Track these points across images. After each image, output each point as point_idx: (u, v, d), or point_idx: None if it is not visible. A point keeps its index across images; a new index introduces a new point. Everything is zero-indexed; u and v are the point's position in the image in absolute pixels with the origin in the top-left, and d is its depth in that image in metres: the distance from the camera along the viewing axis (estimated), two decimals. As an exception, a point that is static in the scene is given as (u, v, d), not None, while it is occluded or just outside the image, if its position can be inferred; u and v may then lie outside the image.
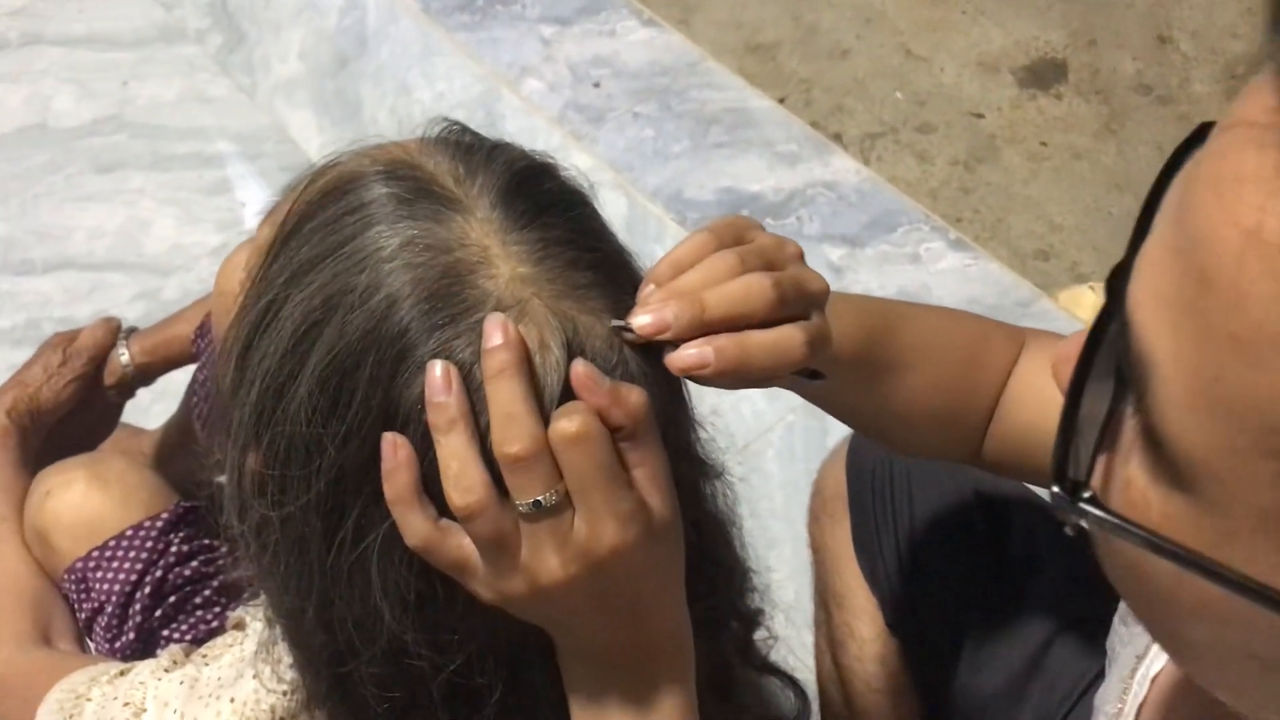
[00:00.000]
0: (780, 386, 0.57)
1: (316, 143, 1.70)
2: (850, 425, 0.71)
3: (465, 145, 0.53)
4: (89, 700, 0.67)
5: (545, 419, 0.47)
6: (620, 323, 0.49)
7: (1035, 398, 0.68)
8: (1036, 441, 0.68)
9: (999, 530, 0.90)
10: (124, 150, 1.69)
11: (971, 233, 1.77)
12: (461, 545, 0.48)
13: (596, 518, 0.47)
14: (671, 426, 0.52)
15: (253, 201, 1.64)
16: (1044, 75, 1.99)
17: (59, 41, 1.82)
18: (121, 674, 0.69)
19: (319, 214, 0.51)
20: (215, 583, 0.87)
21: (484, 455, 0.47)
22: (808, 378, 0.53)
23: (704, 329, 0.48)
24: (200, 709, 0.62)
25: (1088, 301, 1.69)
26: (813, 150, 1.71)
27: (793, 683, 0.80)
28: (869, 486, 0.94)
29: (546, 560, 0.47)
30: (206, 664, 0.65)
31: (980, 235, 1.79)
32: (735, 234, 0.52)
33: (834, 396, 0.66)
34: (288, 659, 0.58)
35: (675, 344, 0.49)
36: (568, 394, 0.48)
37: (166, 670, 0.66)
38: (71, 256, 1.59)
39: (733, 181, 1.67)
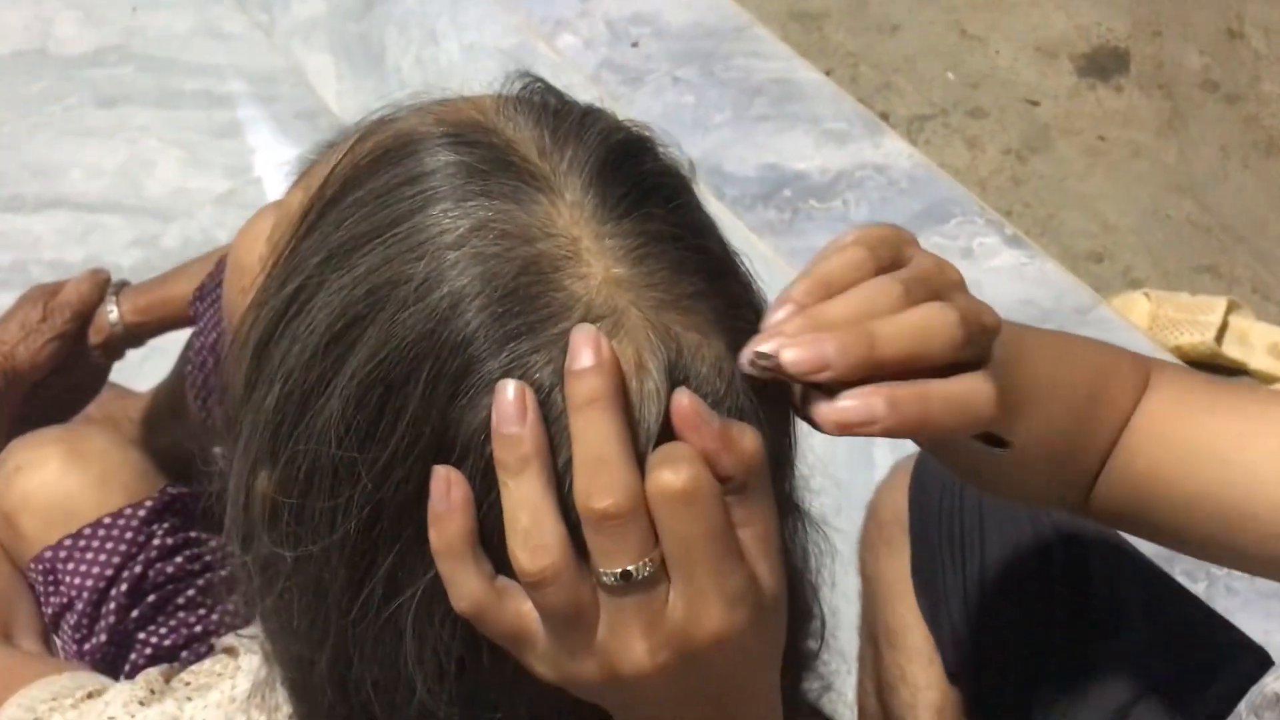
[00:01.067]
0: (912, 439, 0.47)
1: (334, 89, 1.59)
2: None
3: (552, 109, 0.43)
4: None
5: (639, 460, 0.38)
6: (762, 350, 0.39)
7: (1162, 442, 0.59)
8: (1158, 492, 0.59)
9: (1079, 574, 0.82)
10: (129, 84, 1.59)
11: (1021, 228, 1.67)
12: (522, 613, 0.39)
13: (699, 596, 0.38)
14: (778, 471, 0.43)
15: (263, 148, 1.53)
16: (1105, 65, 1.89)
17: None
18: (89, 696, 0.59)
19: (368, 181, 0.41)
20: (200, 581, 0.78)
21: (560, 503, 0.38)
22: (987, 443, 0.43)
23: (871, 371, 0.39)
24: None
25: (1142, 309, 1.60)
26: (863, 129, 1.60)
27: (841, 732, 0.71)
28: (935, 514, 0.85)
29: (630, 644, 0.38)
30: (189, 699, 0.55)
31: (1030, 231, 1.69)
32: (891, 250, 0.42)
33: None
34: (287, 708, 0.49)
35: (828, 388, 0.39)
36: (666, 431, 0.38)
37: (141, 704, 0.56)
38: (66, 195, 1.49)
39: (776, 158, 1.57)
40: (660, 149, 0.45)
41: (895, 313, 0.40)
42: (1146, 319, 1.58)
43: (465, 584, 0.38)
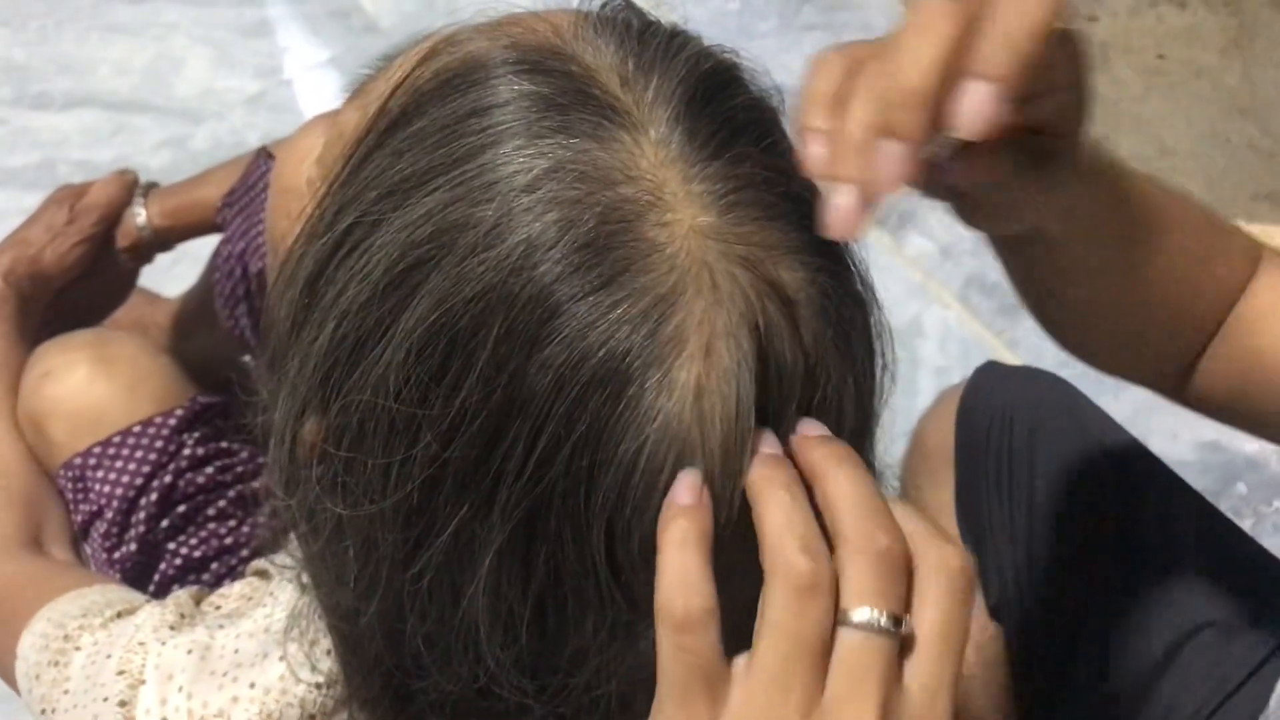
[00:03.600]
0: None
1: (369, -12, 1.54)
2: (1045, 310, 0.58)
3: (636, 30, 0.40)
4: (78, 649, 0.57)
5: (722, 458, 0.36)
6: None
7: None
8: (1268, 376, 0.56)
9: (1131, 510, 0.79)
10: (162, -27, 1.54)
11: (1073, 149, 1.62)
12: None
13: (943, 687, 0.35)
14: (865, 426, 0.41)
15: (295, 48, 1.49)
16: (1169, -21, 1.81)
17: None
18: (119, 615, 0.58)
19: (431, 109, 0.38)
20: (231, 492, 0.76)
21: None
22: None
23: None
24: (212, 690, 0.51)
25: (1196, 237, 1.54)
26: (914, 42, 1.54)
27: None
28: (982, 446, 0.83)
29: (861, 706, 0.33)
30: (221, 626, 0.54)
31: (1083, 153, 1.64)
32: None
33: (1054, 247, 0.53)
34: (326, 642, 0.47)
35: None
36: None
37: (172, 628, 0.55)
38: (94, 93, 1.45)
39: (823, 70, 1.51)
40: (748, 75, 0.41)
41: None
42: (1201, 247, 1.54)
43: (706, 583, 0.34)
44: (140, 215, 0.91)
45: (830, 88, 0.38)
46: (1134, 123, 1.68)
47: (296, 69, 1.46)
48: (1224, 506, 1.20)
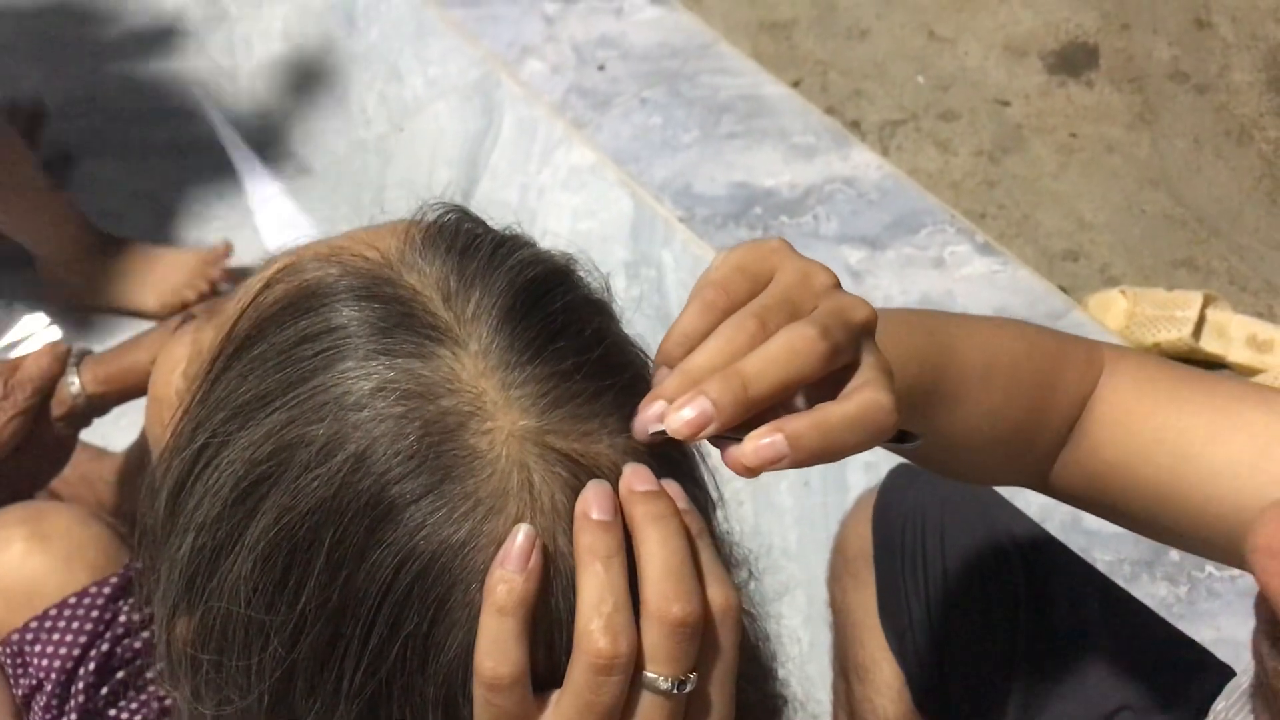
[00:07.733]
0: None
1: (299, 130, 1.59)
2: (901, 457, 0.62)
3: (461, 247, 0.43)
4: None
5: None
6: (654, 431, 0.39)
7: (1128, 434, 0.59)
8: (1122, 484, 0.59)
9: (1042, 599, 0.82)
10: (95, 135, 1.59)
11: (996, 230, 1.67)
12: (535, 701, 0.39)
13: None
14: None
15: (230, 194, 1.54)
16: (1074, 61, 1.88)
17: (31, 14, 1.71)
18: None
19: (272, 333, 0.41)
20: (169, 654, 0.78)
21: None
22: (898, 442, 0.43)
23: (751, 408, 0.39)
24: None
25: (1119, 308, 1.59)
26: (831, 142, 1.60)
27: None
28: (897, 546, 0.85)
29: None
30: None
31: (1005, 233, 1.69)
32: (747, 280, 0.42)
33: None
34: None
35: (729, 437, 0.39)
36: None
37: None
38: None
39: (746, 175, 1.57)
40: (578, 277, 0.44)
41: (757, 345, 0.39)
42: (1124, 317, 1.59)
43: (517, 650, 0.37)
44: (74, 384, 0.93)
45: None
46: (1052, 199, 1.73)
47: (233, 215, 1.51)
48: (1158, 574, 1.23)
